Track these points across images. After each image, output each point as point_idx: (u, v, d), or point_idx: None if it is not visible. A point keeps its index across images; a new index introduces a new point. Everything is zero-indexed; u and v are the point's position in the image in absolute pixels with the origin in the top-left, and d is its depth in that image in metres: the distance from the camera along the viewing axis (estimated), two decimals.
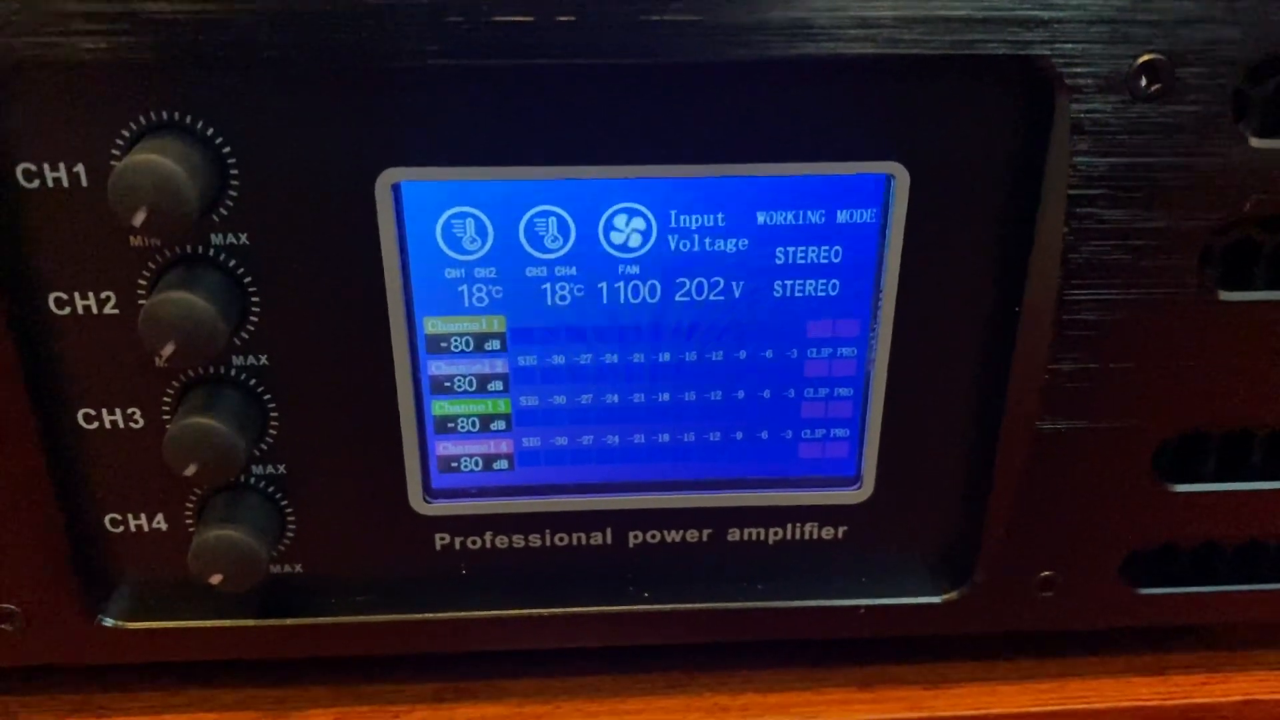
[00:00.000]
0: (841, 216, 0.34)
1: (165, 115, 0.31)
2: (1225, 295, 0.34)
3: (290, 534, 0.38)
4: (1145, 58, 0.31)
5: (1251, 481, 0.38)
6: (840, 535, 0.39)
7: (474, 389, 0.36)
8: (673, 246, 0.34)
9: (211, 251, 0.33)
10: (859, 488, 0.38)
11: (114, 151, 0.31)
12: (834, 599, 0.39)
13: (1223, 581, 0.40)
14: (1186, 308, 0.34)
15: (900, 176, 0.33)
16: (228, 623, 0.38)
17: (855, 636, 0.40)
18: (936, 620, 0.39)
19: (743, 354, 0.36)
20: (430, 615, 0.38)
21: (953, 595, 0.39)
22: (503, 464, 0.37)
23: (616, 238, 0.34)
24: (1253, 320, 0.34)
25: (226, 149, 0.32)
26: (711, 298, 0.35)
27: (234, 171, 0.32)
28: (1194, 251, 0.33)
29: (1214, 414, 0.36)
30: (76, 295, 0.33)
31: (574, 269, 0.35)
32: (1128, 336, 0.34)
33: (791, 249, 0.35)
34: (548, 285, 0.35)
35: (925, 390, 0.37)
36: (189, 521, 0.37)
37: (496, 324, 0.35)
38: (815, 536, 0.39)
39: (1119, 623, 0.40)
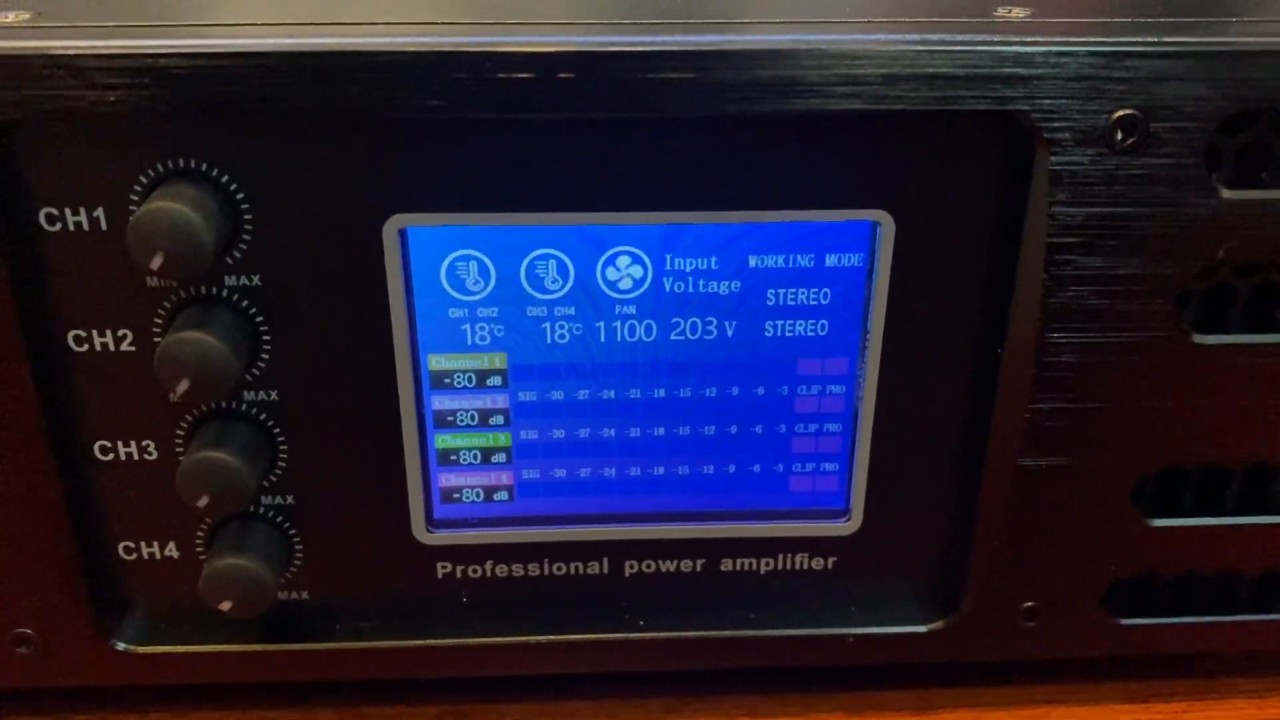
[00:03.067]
0: (830, 260, 0.36)
1: (182, 163, 0.33)
2: (1199, 338, 0.35)
3: (298, 562, 0.39)
4: (1121, 113, 0.32)
5: (1228, 516, 0.39)
6: (830, 566, 0.40)
7: (476, 423, 0.38)
8: (668, 288, 0.36)
9: (225, 292, 0.34)
10: (848, 520, 0.39)
11: (132, 197, 0.33)
12: (824, 628, 0.40)
13: (1202, 612, 0.41)
14: (1162, 350, 0.35)
15: (886, 224, 0.34)
16: (236, 647, 0.39)
17: (844, 664, 0.41)
18: (923, 649, 0.40)
19: (735, 391, 0.37)
20: (432, 641, 0.39)
21: (939, 625, 0.40)
22: (503, 495, 0.39)
23: (614, 279, 0.36)
24: (1227, 362, 0.36)
25: (240, 195, 0.33)
26: (705, 337, 0.37)
27: (247, 216, 0.33)
28: (1169, 296, 0.34)
29: (1190, 452, 0.37)
30: (94, 333, 0.35)
31: (573, 309, 0.36)
32: (1106, 378, 0.35)
33: (782, 291, 0.36)
34: (547, 324, 0.36)
35: (912, 427, 0.38)
36: (200, 550, 0.38)
37: (498, 361, 0.37)
38: (805, 567, 0.40)
39: (1101, 652, 0.41)
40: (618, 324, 0.36)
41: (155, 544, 0.38)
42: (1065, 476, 0.37)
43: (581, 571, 0.40)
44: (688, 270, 0.36)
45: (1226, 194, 0.33)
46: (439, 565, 0.39)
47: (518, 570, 0.40)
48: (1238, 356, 0.36)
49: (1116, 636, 0.40)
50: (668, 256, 0.35)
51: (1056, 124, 0.32)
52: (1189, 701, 0.42)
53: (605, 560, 0.40)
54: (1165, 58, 0.32)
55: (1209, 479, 0.39)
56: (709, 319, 0.36)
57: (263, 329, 0.35)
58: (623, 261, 0.35)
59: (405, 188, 0.33)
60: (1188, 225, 0.33)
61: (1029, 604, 0.39)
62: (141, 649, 0.39)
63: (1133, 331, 0.35)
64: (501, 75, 0.31)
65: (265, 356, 0.35)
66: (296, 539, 0.38)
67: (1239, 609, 0.41)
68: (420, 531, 0.38)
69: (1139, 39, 0.32)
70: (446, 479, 0.38)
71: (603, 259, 0.35)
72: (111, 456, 0.36)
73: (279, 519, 0.38)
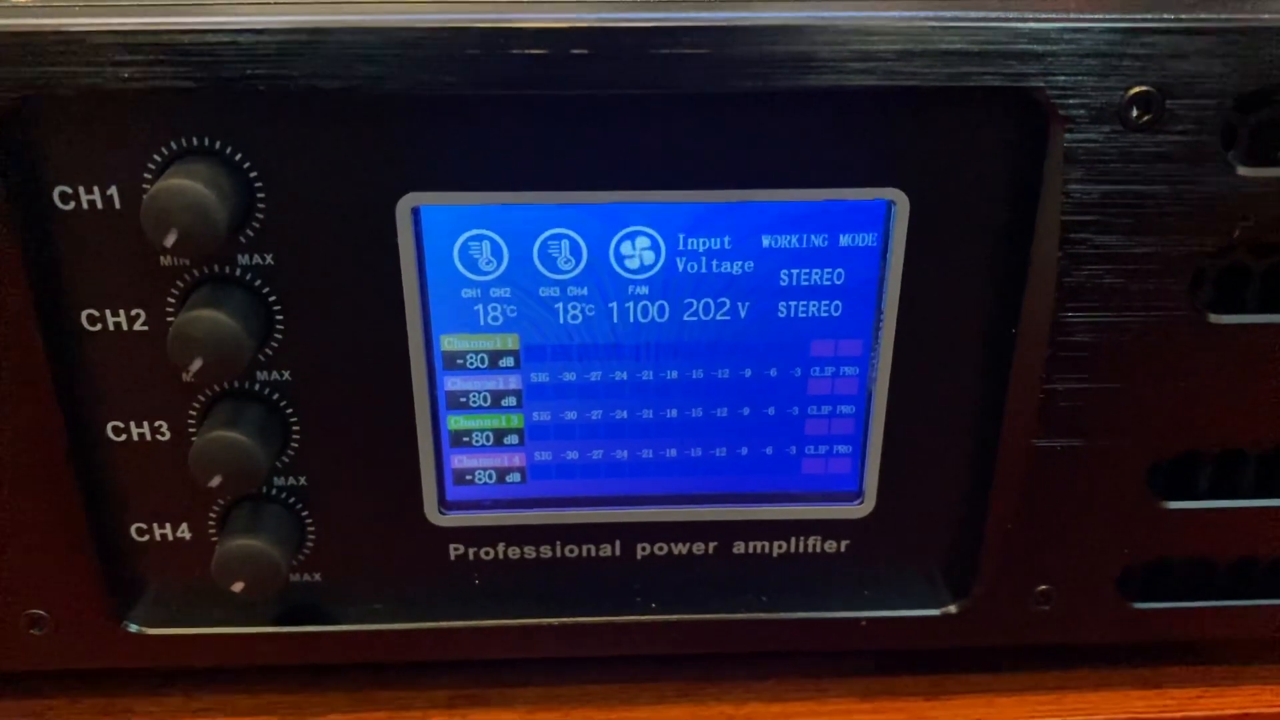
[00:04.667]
0: (844, 240, 0.35)
1: (195, 141, 0.33)
2: (1215, 318, 0.35)
3: (310, 544, 0.39)
4: (1136, 90, 0.32)
5: (1244, 499, 0.38)
6: (842, 549, 0.40)
7: (488, 404, 0.37)
8: (681, 268, 0.36)
9: (238, 271, 0.34)
10: (861, 503, 0.39)
11: (146, 175, 0.33)
12: (836, 611, 0.40)
13: (1217, 597, 0.40)
14: (1178, 330, 0.35)
15: (900, 202, 0.34)
16: (248, 629, 0.39)
17: (857, 648, 0.41)
18: (936, 632, 0.40)
19: (748, 372, 0.37)
20: (444, 624, 0.39)
21: (952, 608, 0.40)
22: (515, 477, 0.39)
23: (627, 260, 0.36)
24: (1243, 342, 0.35)
25: (254, 174, 0.33)
26: (718, 318, 0.36)
27: (260, 195, 0.33)
28: (1185, 276, 0.34)
29: (1206, 434, 0.37)
30: (108, 312, 0.35)
31: (585, 289, 0.36)
32: (1121, 358, 0.35)
33: (795, 271, 0.36)
34: (560, 305, 0.36)
35: (925, 408, 0.38)
36: (212, 531, 0.38)
37: (511, 342, 0.37)
38: (818, 550, 0.40)
39: (1114, 637, 0.41)
40: (630, 304, 0.36)
41: (168, 525, 0.38)
42: (1080, 458, 0.37)
43: (594, 554, 0.40)
44: (701, 250, 0.35)
45: (1243, 171, 0.33)
46: (451, 547, 0.39)
47: (530, 552, 0.39)
48: (1254, 336, 0.35)
49: (1130, 621, 0.40)
50: (681, 236, 0.35)
51: (1071, 101, 0.32)
52: (1204, 687, 0.42)
53: (617, 542, 0.40)
54: (1181, 34, 0.31)
55: (1225, 461, 0.39)
56: (722, 299, 0.36)
57: (276, 308, 0.35)
58: (636, 242, 0.35)
59: (418, 166, 0.33)
60: (1203, 203, 0.33)
61: (1042, 587, 0.39)
62: (154, 631, 0.39)
63: (1148, 311, 0.35)
64: (515, 51, 0.31)
65: (278, 336, 0.35)
66: (309, 520, 0.38)
67: (1254, 593, 0.41)
68: (433, 513, 0.38)
69: (1155, 15, 0.32)
70: (459, 460, 0.38)
71: (616, 239, 0.35)
72: (124, 437, 0.36)
73: (291, 500, 0.38)
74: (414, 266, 0.35)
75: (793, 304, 0.36)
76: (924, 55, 0.31)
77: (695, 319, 0.36)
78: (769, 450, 0.39)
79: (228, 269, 0.34)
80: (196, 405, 0.36)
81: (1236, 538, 0.39)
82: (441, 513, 0.38)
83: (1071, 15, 0.31)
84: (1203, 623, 0.41)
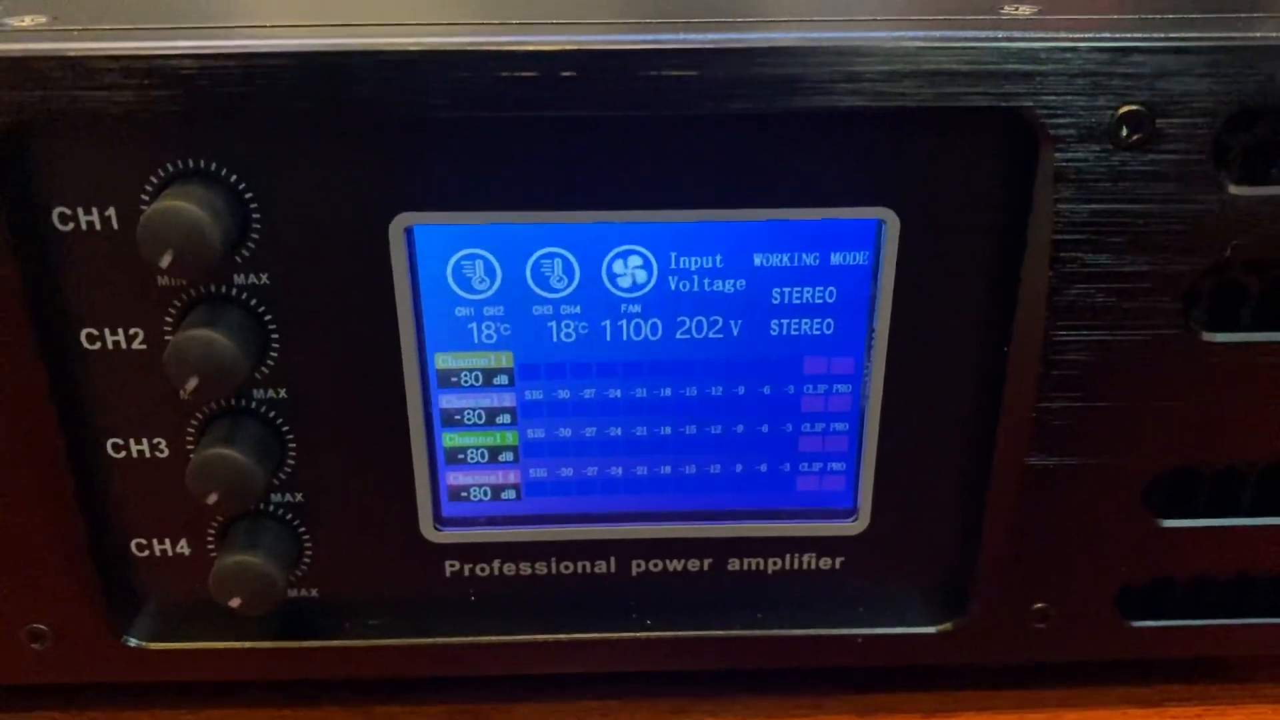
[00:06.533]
0: (835, 259, 0.36)
1: (191, 162, 0.33)
2: (1209, 336, 0.35)
3: (307, 560, 0.39)
4: (1126, 109, 0.32)
5: (1241, 518, 0.38)
6: (838, 566, 0.40)
7: (483, 422, 0.38)
8: (673, 287, 0.36)
9: (234, 291, 0.35)
10: (856, 520, 0.39)
11: (143, 196, 0.33)
12: (831, 628, 0.40)
13: (1216, 615, 0.40)
14: (1171, 348, 0.35)
15: (891, 221, 0.34)
16: (246, 644, 0.39)
17: (853, 665, 0.41)
18: (932, 650, 0.40)
19: (741, 390, 0.37)
20: (440, 639, 0.40)
21: (948, 626, 0.40)
22: (510, 494, 0.39)
23: (619, 278, 0.36)
24: (1237, 360, 0.35)
25: (249, 194, 0.34)
26: (711, 336, 0.37)
27: (255, 215, 0.34)
28: (1177, 294, 0.34)
29: (1201, 452, 0.37)
30: (107, 331, 0.35)
31: (578, 308, 0.36)
32: (1114, 376, 0.35)
33: (787, 289, 0.36)
34: (553, 323, 0.36)
35: (919, 425, 0.38)
36: (210, 547, 0.38)
37: (504, 360, 0.37)
38: (813, 567, 0.40)
39: (1113, 655, 0.41)
40: (623, 323, 0.36)
41: (167, 541, 0.38)
42: (1074, 476, 0.37)
43: (589, 570, 0.40)
44: (693, 269, 0.36)
45: (1234, 190, 0.33)
46: (447, 563, 0.39)
47: (525, 569, 0.40)
48: (1249, 355, 0.35)
49: (1129, 639, 0.40)
50: (673, 255, 0.35)
51: (1061, 120, 0.32)
52: (1203, 705, 0.42)
53: (612, 559, 0.40)
54: (1171, 53, 0.31)
55: (1223, 479, 0.39)
56: (714, 318, 0.36)
57: (271, 327, 0.35)
58: (628, 261, 0.36)
59: (411, 186, 0.34)
60: (1195, 222, 0.33)
61: (1039, 605, 0.39)
62: (153, 645, 0.39)
63: (1141, 329, 0.35)
64: (505, 74, 0.31)
65: (274, 354, 0.36)
66: (306, 536, 0.39)
67: (1253, 611, 0.40)
68: (428, 529, 0.39)
69: (1144, 34, 0.32)
70: (454, 477, 0.38)
71: (608, 257, 0.35)
72: (124, 454, 0.37)
73: (288, 516, 0.38)
74: (408, 285, 0.35)
75: (785, 322, 0.36)
76: (913, 76, 0.32)
77: (688, 337, 0.37)
78: (763, 467, 0.39)
79: (224, 288, 0.35)
80: (194, 422, 0.36)
81: (1234, 556, 0.39)
82: (437, 529, 0.39)
83: (1060, 35, 0.31)
84: (1201, 641, 0.41)
